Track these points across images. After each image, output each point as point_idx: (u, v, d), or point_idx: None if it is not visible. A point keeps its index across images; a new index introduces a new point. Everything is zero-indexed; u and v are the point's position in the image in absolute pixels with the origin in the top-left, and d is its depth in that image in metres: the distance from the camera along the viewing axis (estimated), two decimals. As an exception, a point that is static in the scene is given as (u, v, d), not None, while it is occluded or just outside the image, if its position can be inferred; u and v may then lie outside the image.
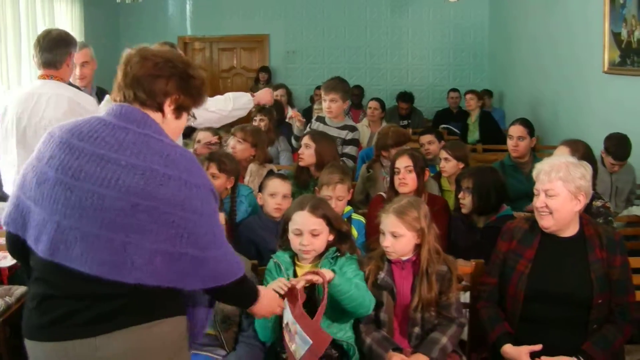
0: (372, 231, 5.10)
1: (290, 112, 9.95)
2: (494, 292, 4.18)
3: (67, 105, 4.95)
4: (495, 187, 5.16)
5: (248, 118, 8.55)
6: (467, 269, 4.45)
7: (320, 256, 4.06)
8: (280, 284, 3.69)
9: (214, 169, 5.40)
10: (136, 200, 2.61)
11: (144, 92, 2.82)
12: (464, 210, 5.23)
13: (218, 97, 5.65)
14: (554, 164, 3.98)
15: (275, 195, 5.15)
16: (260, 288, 3.29)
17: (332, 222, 4.07)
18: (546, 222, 3.97)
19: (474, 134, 10.62)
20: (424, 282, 4.01)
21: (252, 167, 6.52)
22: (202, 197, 2.76)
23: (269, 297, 3.34)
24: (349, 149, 7.04)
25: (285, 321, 3.69)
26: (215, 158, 5.48)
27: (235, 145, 6.44)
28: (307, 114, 11.40)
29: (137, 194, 2.62)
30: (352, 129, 7.17)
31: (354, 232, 5.21)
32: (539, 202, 3.97)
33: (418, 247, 4.09)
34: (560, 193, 3.90)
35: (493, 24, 14.32)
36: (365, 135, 9.55)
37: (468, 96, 11.19)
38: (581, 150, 5.26)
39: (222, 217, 3.91)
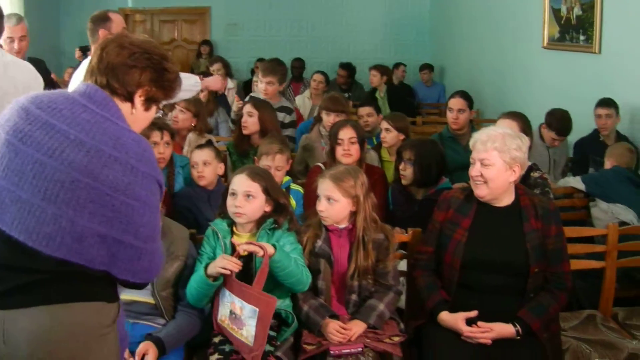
0: (311, 202, 5.07)
1: (230, 84, 9.95)
2: (431, 260, 4.20)
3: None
4: (436, 159, 5.20)
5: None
6: (405, 238, 4.48)
7: (258, 227, 4.03)
8: (227, 263, 3.70)
9: (167, 137, 5.39)
10: (77, 176, 2.54)
11: (117, 81, 2.76)
12: (404, 182, 5.25)
13: None
14: (491, 134, 4.00)
15: (196, 164, 5.20)
16: None
17: (270, 191, 4.04)
18: (480, 191, 4.00)
19: (385, 109, 10.60)
20: (360, 249, 4.03)
21: (191, 136, 6.51)
22: (148, 186, 2.68)
23: None
24: (290, 132, 7.09)
25: (223, 315, 3.71)
26: (166, 127, 5.48)
27: (177, 115, 6.44)
28: (248, 86, 11.40)
29: (79, 170, 2.54)
30: (289, 110, 7.23)
31: (293, 203, 5.21)
32: (474, 170, 4.01)
33: (354, 215, 4.09)
34: (495, 163, 3.92)
35: None
36: (306, 107, 9.49)
37: (372, 72, 11.21)
38: (521, 123, 5.31)
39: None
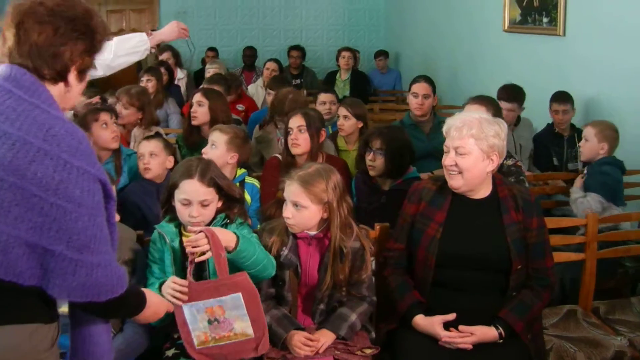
0: (268, 196, 4.84)
1: (180, 74, 9.61)
2: (401, 258, 3.86)
3: None
4: (406, 148, 4.87)
5: (131, 77, 8.15)
6: (372, 234, 4.09)
7: (208, 224, 3.65)
8: (176, 292, 3.31)
9: (107, 117, 5.17)
10: (1, 174, 2.19)
11: (46, 65, 2.37)
12: (372, 173, 4.88)
13: None
14: (466, 120, 3.65)
15: (142, 156, 4.96)
16: (146, 293, 2.80)
17: (223, 188, 3.69)
18: (455, 182, 3.66)
19: (343, 92, 10.34)
20: (337, 262, 3.65)
21: (135, 131, 6.19)
22: (84, 185, 2.29)
23: (154, 303, 2.84)
24: None
25: (201, 332, 3.36)
26: (109, 108, 5.28)
27: (121, 111, 6.07)
28: (198, 76, 11.06)
29: (2, 166, 2.19)
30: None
31: (247, 198, 4.91)
32: (448, 160, 3.65)
33: (325, 222, 3.70)
34: (471, 151, 3.58)
35: None
36: (259, 96, 9.21)
37: (343, 54, 10.92)
38: (491, 108, 4.97)
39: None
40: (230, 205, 3.74)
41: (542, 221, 3.73)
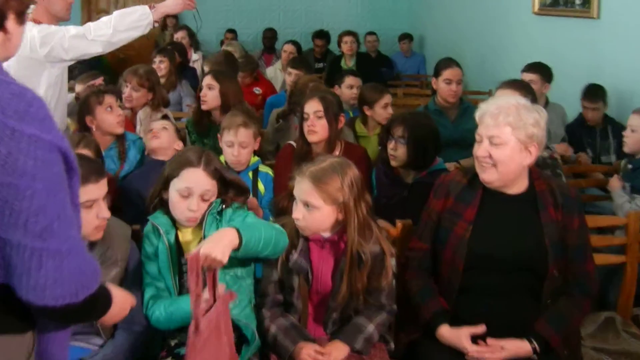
0: (281, 187, 4.47)
1: (195, 56, 9.30)
2: (425, 259, 3.47)
3: None
4: (432, 136, 4.44)
5: (148, 59, 7.82)
6: (392, 232, 3.70)
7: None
8: None
9: (112, 99, 4.83)
10: None
11: None
12: (394, 163, 4.45)
13: (103, 19, 4.71)
14: (503, 106, 3.25)
15: (150, 131, 4.75)
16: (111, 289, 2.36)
17: (224, 176, 3.39)
18: (488, 176, 3.26)
19: None
20: (355, 270, 3.24)
21: (141, 114, 5.82)
22: (39, 155, 1.90)
23: (119, 299, 2.39)
24: None
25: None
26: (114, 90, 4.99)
27: (130, 93, 5.75)
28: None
29: None
30: None
31: (261, 187, 4.59)
32: (480, 150, 3.25)
33: (341, 224, 3.29)
34: (507, 141, 3.19)
35: None
36: (278, 79, 8.88)
37: (343, 39, 10.56)
38: (526, 94, 4.40)
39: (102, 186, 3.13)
40: (226, 189, 3.40)
41: (583, 220, 3.34)
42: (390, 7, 13.83)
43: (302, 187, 3.22)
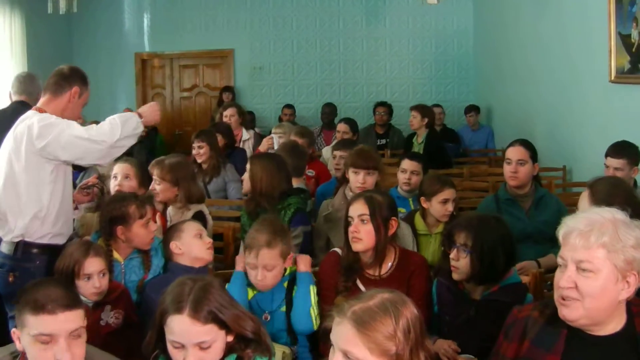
0: (328, 299, 3.93)
1: (245, 135, 8.78)
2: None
3: None
4: (503, 245, 3.72)
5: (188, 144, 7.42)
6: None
7: None
8: None
9: (151, 212, 4.55)
10: None
11: None
12: (456, 277, 3.76)
13: (102, 123, 4.39)
14: (595, 222, 2.59)
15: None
16: None
17: (227, 322, 2.77)
18: (571, 313, 2.60)
19: None
20: None
21: (170, 211, 5.30)
22: None
23: None
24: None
25: None
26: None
27: (154, 187, 5.26)
28: (275, 135, 10.26)
29: None
30: None
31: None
32: (564, 279, 2.57)
33: None
34: (600, 268, 2.53)
35: (478, 30, 13.33)
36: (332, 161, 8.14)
37: (412, 113, 9.71)
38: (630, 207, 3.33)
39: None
40: (245, 341, 2.82)
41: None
42: (455, 77, 13.56)
43: (342, 332, 2.39)
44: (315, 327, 3.88)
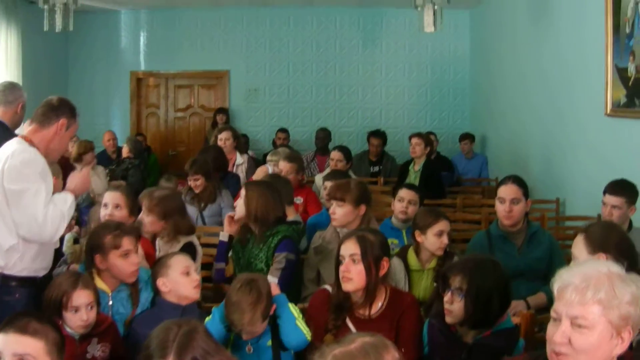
0: (317, 337, 3.86)
1: (239, 159, 8.67)
2: None
3: None
4: (498, 290, 3.65)
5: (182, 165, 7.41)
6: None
7: None
8: None
9: (130, 243, 4.27)
10: None
11: None
12: (449, 320, 3.67)
13: (54, 213, 4.31)
14: (590, 276, 2.54)
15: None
16: None
17: None
18: None
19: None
20: None
21: (159, 242, 5.22)
22: None
23: None
24: None
25: None
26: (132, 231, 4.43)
27: (142, 217, 5.18)
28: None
29: None
30: None
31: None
32: (558, 335, 2.52)
33: None
34: (595, 324, 2.47)
35: (475, 58, 13.40)
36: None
37: (413, 140, 9.55)
38: (626, 260, 3.43)
39: None
40: None
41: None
42: (451, 105, 13.64)
43: None
44: (308, 338, 3.82)
